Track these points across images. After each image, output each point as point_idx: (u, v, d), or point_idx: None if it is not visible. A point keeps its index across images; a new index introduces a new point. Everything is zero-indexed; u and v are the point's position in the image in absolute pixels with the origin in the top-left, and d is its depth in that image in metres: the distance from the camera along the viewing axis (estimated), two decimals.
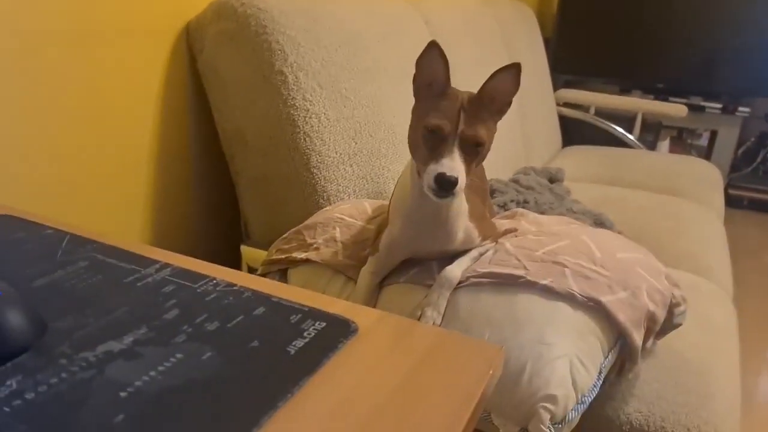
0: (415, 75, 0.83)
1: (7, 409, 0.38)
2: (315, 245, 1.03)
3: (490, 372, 0.48)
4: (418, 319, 0.87)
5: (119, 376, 0.42)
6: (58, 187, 1.02)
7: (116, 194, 1.13)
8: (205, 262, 0.62)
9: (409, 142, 0.85)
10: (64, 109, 1.00)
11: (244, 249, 1.28)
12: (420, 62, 0.82)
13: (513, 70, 0.80)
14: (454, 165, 0.77)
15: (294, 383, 0.43)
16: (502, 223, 1.06)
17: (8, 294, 0.45)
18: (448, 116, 0.79)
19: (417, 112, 0.84)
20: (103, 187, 1.10)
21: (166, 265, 0.59)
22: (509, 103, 0.83)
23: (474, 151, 0.80)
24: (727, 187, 3.39)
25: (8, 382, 0.41)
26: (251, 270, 1.24)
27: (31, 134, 0.96)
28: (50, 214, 0.71)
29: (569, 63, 3.25)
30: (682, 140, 3.58)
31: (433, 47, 0.80)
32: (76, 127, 1.03)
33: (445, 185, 0.77)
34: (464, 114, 0.79)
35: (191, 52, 1.23)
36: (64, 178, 1.02)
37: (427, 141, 0.80)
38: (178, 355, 0.45)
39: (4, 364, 0.42)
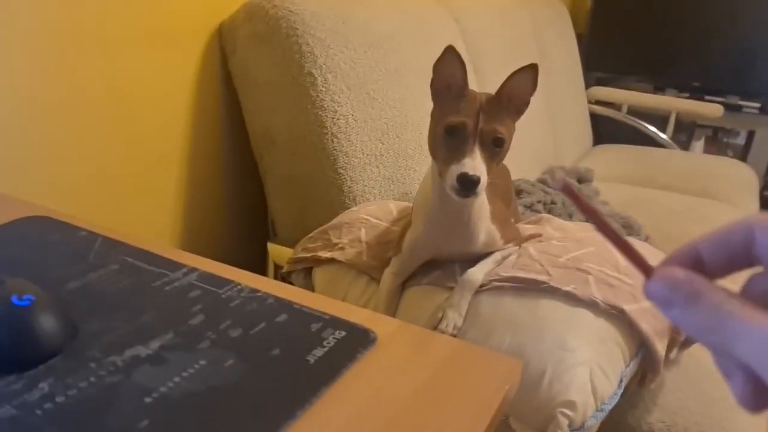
0: (432, 79, 0.85)
1: (39, 412, 0.40)
2: (340, 245, 1.05)
3: (507, 386, 0.49)
4: (439, 322, 0.88)
5: (145, 381, 0.44)
6: (91, 188, 1.05)
7: (148, 190, 1.16)
8: (230, 267, 0.63)
9: (429, 145, 0.87)
10: (98, 110, 1.03)
11: (271, 247, 1.30)
12: (437, 66, 0.84)
13: (530, 71, 0.81)
14: (475, 164, 0.79)
15: (313, 393, 0.45)
16: (526, 228, 1.06)
17: (42, 298, 0.47)
18: (468, 116, 0.80)
19: (436, 115, 0.86)
20: (135, 184, 1.13)
21: (193, 270, 0.61)
22: (527, 103, 0.84)
23: (494, 149, 0.82)
24: (764, 189, 3.31)
25: (40, 385, 0.43)
26: (277, 267, 1.27)
27: (66, 135, 0.99)
28: (84, 215, 0.74)
29: (602, 60, 3.20)
30: (717, 140, 3.50)
31: (449, 51, 0.82)
32: (109, 128, 1.05)
33: (468, 184, 0.78)
34: (483, 114, 0.80)
35: (223, 52, 1.25)
36: (97, 179, 1.05)
37: (448, 141, 0.82)
38: (202, 362, 0.47)
39: (37, 367, 0.44)
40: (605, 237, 0.29)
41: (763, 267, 0.27)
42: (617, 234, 0.29)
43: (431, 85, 0.85)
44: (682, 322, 0.26)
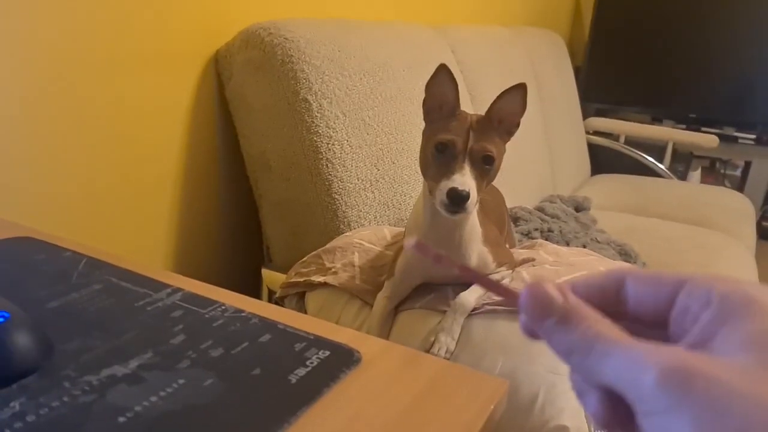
0: (425, 98, 0.86)
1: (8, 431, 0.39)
2: (333, 269, 1.04)
3: (492, 407, 0.48)
4: (432, 345, 0.87)
5: (120, 401, 0.43)
6: (83, 210, 1.04)
7: (142, 213, 1.16)
8: (216, 287, 0.62)
9: (420, 163, 0.87)
10: (94, 132, 1.03)
11: (265, 272, 1.29)
12: (430, 85, 0.84)
13: (519, 91, 0.82)
14: (465, 180, 0.79)
15: (292, 413, 0.44)
16: (520, 252, 1.05)
17: (17, 316, 0.46)
18: (458, 134, 0.81)
19: (427, 133, 0.86)
20: (129, 207, 1.12)
21: (178, 290, 0.60)
22: (517, 124, 0.85)
23: (484, 167, 0.82)
24: (761, 219, 3.31)
25: (12, 404, 0.42)
26: (272, 293, 1.25)
27: (61, 158, 0.99)
28: (75, 236, 0.73)
29: (600, 91, 3.23)
30: (715, 170, 3.51)
31: (442, 70, 0.82)
32: (104, 150, 1.05)
33: (457, 200, 0.78)
34: (473, 132, 0.81)
35: (220, 78, 1.26)
36: (90, 201, 1.05)
37: (438, 159, 0.82)
38: (180, 381, 0.46)
39: (10, 385, 0.43)
40: (467, 277, 0.30)
41: (629, 312, 0.28)
42: (477, 272, 0.30)
43: (423, 104, 0.85)
44: (552, 339, 0.26)
